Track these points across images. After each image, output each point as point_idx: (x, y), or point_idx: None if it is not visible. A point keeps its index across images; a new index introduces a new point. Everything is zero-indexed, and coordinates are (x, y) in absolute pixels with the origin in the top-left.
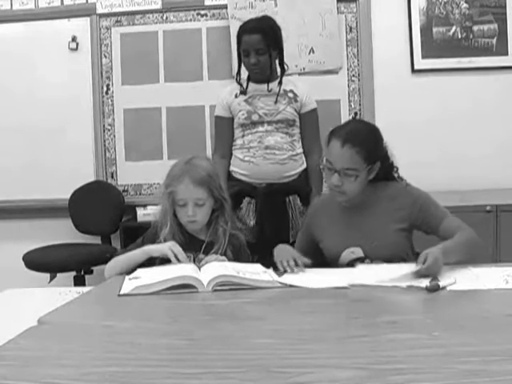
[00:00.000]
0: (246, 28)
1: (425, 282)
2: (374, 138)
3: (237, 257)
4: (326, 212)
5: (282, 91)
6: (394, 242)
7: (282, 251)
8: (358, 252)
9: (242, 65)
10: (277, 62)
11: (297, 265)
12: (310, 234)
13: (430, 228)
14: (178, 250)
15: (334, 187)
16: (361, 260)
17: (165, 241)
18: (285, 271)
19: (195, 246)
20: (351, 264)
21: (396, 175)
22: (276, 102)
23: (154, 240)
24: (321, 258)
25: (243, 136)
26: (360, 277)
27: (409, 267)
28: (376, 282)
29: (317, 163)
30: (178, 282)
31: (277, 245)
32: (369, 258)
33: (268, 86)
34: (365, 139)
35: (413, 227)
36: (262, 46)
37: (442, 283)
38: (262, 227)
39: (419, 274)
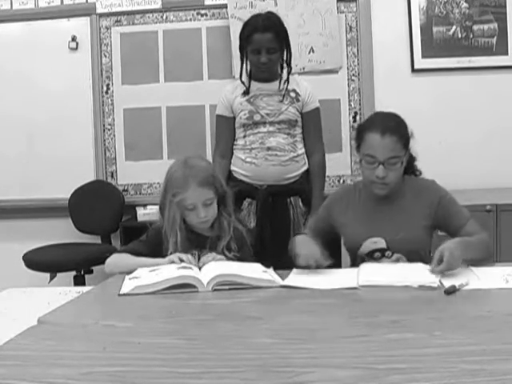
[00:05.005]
0: (257, 26)
1: (436, 282)
2: (404, 123)
3: (240, 249)
4: (350, 200)
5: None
6: (418, 236)
7: (303, 245)
8: (381, 242)
9: (244, 64)
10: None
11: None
12: (328, 219)
13: (452, 228)
14: (187, 258)
15: (378, 179)
16: (381, 251)
17: (175, 250)
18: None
19: (202, 243)
20: (371, 254)
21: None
22: (282, 101)
23: (157, 243)
24: (330, 247)
25: (245, 136)
26: (369, 277)
27: (417, 267)
28: (387, 283)
29: (319, 163)
30: (178, 281)
31: (277, 247)
32: (390, 250)
33: (280, 85)
34: (399, 126)
35: (435, 226)
36: (274, 44)
37: (457, 284)
38: (263, 229)
39: (439, 273)
